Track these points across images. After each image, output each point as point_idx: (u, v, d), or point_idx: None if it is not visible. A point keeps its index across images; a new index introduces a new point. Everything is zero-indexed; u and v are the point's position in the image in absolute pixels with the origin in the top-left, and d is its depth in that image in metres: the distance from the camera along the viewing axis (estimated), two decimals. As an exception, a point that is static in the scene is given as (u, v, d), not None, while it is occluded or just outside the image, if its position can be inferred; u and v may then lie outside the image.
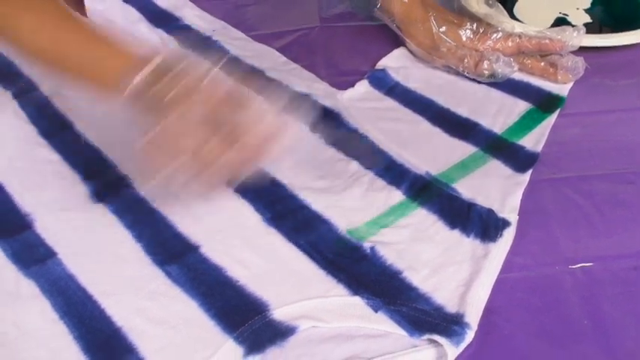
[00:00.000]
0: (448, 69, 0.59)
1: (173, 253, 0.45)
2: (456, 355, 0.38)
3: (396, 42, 0.63)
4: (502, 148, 0.52)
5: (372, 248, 0.44)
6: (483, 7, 0.65)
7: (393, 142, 0.53)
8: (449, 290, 0.41)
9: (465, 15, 0.63)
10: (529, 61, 0.58)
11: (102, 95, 0.45)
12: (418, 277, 0.42)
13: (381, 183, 0.49)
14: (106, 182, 0.50)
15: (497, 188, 0.48)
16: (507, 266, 0.43)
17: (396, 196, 0.48)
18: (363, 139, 0.53)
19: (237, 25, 0.68)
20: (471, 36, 0.59)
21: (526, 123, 0.54)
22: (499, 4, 0.65)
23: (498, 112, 0.55)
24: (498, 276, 0.42)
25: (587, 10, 0.67)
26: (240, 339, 0.39)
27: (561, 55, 0.58)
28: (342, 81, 0.59)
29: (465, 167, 0.50)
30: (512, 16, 0.65)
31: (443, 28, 0.59)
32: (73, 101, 0.59)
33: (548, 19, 0.66)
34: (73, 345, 0.40)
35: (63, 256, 0.45)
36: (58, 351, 0.39)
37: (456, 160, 0.51)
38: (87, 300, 0.42)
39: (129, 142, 0.43)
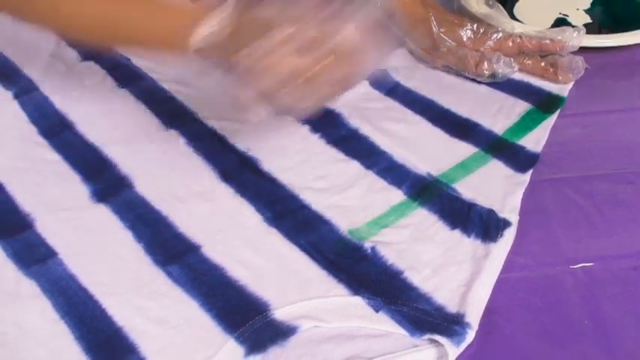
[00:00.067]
0: (448, 69, 0.59)
1: (174, 253, 0.45)
2: (457, 355, 0.38)
3: (396, 42, 0.63)
4: (503, 149, 0.52)
5: (372, 248, 0.44)
6: (483, 7, 0.65)
7: (394, 142, 0.53)
8: (450, 290, 0.41)
9: (465, 15, 0.63)
10: (529, 62, 0.58)
11: (170, 53, 0.45)
12: (419, 277, 0.42)
13: (381, 183, 0.49)
14: (106, 182, 0.50)
15: (498, 188, 0.48)
16: (508, 266, 0.43)
17: (397, 196, 0.48)
18: (363, 139, 0.53)
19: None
20: (472, 36, 0.59)
21: (526, 123, 0.54)
22: (499, 5, 0.65)
23: (499, 113, 0.55)
24: (499, 276, 0.42)
25: (587, 11, 0.67)
26: (241, 339, 0.39)
27: (561, 55, 0.58)
28: (343, 81, 0.59)
29: (465, 167, 0.50)
30: (513, 17, 0.66)
31: (443, 29, 0.59)
32: (73, 101, 0.59)
33: (548, 20, 0.66)
34: (74, 345, 0.40)
35: (64, 256, 0.45)
36: (58, 351, 0.39)
37: (456, 161, 0.51)
38: (88, 300, 0.42)
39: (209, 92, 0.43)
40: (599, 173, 0.50)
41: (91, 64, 0.63)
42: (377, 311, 0.40)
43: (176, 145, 0.54)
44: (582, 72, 0.57)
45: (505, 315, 0.40)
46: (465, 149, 0.52)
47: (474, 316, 0.39)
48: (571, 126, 0.54)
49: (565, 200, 0.48)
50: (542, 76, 0.58)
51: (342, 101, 0.57)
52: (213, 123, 0.55)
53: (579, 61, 0.57)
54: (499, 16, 0.63)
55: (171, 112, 0.57)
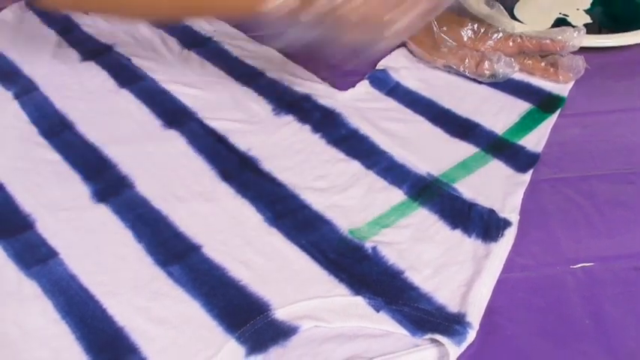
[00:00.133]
0: (449, 69, 0.59)
1: (175, 253, 0.45)
2: (458, 355, 0.38)
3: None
4: (503, 149, 0.52)
5: (373, 248, 0.44)
6: (484, 7, 0.65)
7: (394, 142, 0.53)
8: (450, 290, 0.41)
9: (466, 16, 0.63)
10: (530, 61, 0.58)
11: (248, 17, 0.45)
12: (420, 277, 0.42)
13: (382, 183, 0.49)
14: (106, 182, 0.50)
15: (498, 188, 0.48)
16: (509, 266, 0.43)
17: (397, 196, 0.48)
18: (363, 139, 0.53)
19: (237, 26, 0.68)
20: (472, 36, 0.59)
21: (527, 123, 0.54)
22: (499, 5, 0.65)
23: (499, 113, 0.55)
24: (500, 276, 0.42)
25: (587, 11, 0.67)
26: (242, 339, 0.39)
27: (561, 55, 0.58)
28: (343, 81, 0.59)
29: (465, 167, 0.50)
30: (513, 17, 0.66)
31: (444, 28, 0.59)
32: (73, 101, 0.59)
33: (549, 20, 0.66)
34: (75, 345, 0.40)
35: (64, 256, 0.45)
36: (59, 351, 0.39)
37: (457, 160, 0.51)
38: (89, 300, 0.42)
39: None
40: (599, 173, 0.50)
41: (92, 64, 0.63)
42: (378, 311, 0.40)
43: (176, 145, 0.54)
44: (582, 72, 0.57)
45: (506, 315, 0.40)
46: (465, 149, 0.52)
47: (474, 316, 0.39)
48: (571, 126, 0.54)
49: (565, 200, 0.48)
50: (543, 76, 0.58)
51: (343, 101, 0.57)
52: (213, 123, 0.55)
53: (579, 61, 0.57)
54: (499, 16, 0.63)
55: (172, 112, 0.57)
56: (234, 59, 0.63)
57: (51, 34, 0.68)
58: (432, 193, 0.48)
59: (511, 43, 0.58)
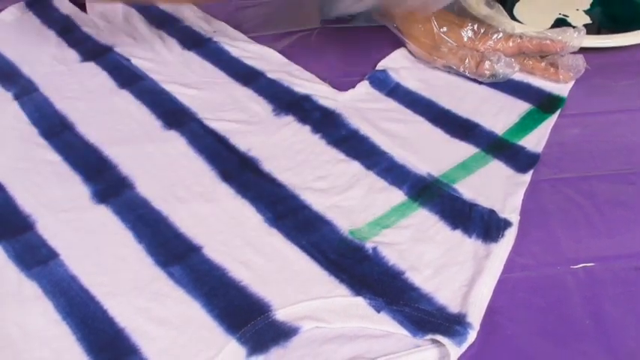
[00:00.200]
0: (449, 69, 0.59)
1: (175, 254, 0.45)
2: (459, 355, 0.38)
3: (397, 43, 0.63)
4: (503, 149, 0.52)
5: (374, 249, 0.44)
6: (483, 8, 0.65)
7: (394, 142, 0.53)
8: (451, 290, 0.41)
9: (466, 16, 0.63)
10: (530, 62, 0.58)
11: None
12: (420, 278, 0.42)
13: (382, 183, 0.49)
14: (106, 183, 0.50)
15: (499, 189, 0.48)
16: (509, 266, 0.43)
17: (398, 196, 0.48)
18: (364, 139, 0.53)
19: (238, 27, 0.68)
20: (472, 36, 0.59)
21: (527, 123, 0.54)
22: (499, 5, 0.65)
23: (499, 113, 0.55)
24: (500, 276, 0.42)
25: (586, 11, 0.67)
26: (243, 339, 0.39)
27: (561, 55, 0.58)
28: (343, 82, 0.59)
29: (466, 168, 0.50)
30: (513, 17, 0.66)
31: (444, 29, 0.59)
32: (73, 102, 0.59)
33: (548, 20, 0.66)
34: (76, 346, 0.40)
35: (65, 257, 0.45)
36: (60, 352, 0.39)
37: (457, 161, 0.51)
38: (89, 301, 0.42)
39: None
40: (599, 173, 0.50)
41: (92, 64, 0.63)
42: (378, 312, 0.40)
43: (176, 145, 0.54)
44: (583, 70, 0.57)
45: (507, 315, 0.40)
46: (465, 149, 0.52)
47: (475, 316, 0.39)
48: (571, 126, 0.54)
49: (565, 200, 0.48)
50: (543, 76, 0.58)
51: (343, 102, 0.57)
52: (213, 123, 0.55)
53: (580, 60, 0.57)
54: (499, 16, 0.63)
55: (172, 113, 0.57)
56: (234, 59, 0.63)
57: (51, 35, 0.68)
58: (432, 194, 0.48)
59: (511, 44, 0.58)
